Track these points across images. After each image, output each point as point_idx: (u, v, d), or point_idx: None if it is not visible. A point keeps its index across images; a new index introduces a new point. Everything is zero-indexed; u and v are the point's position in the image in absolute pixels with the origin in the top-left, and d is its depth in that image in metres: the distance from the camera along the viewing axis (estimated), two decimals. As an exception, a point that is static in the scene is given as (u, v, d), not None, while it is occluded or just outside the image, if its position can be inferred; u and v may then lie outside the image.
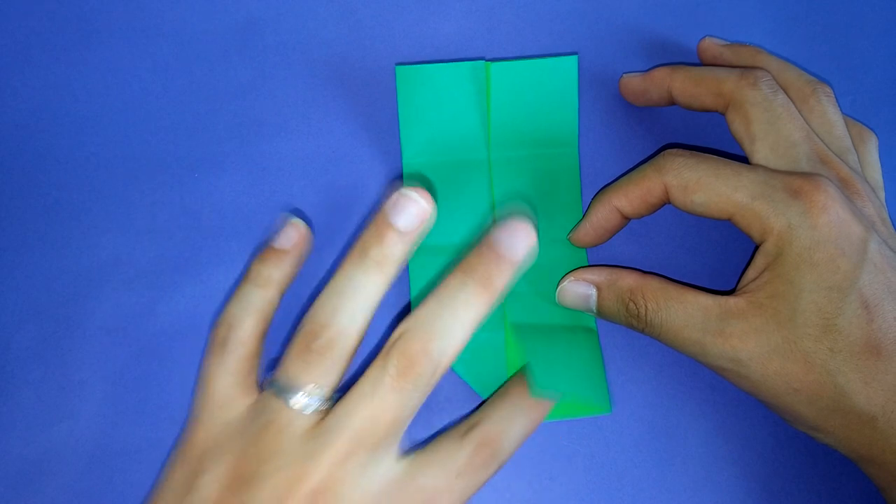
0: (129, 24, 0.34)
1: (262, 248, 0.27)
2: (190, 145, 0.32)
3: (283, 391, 0.23)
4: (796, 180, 0.25)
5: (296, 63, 0.34)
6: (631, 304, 0.27)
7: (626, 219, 0.29)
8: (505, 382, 0.27)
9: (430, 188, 0.31)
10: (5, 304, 0.30)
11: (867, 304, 0.23)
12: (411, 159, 0.31)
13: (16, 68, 0.33)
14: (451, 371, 0.29)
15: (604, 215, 0.29)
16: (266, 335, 0.26)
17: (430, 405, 0.29)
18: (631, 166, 0.32)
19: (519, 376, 0.26)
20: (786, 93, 0.28)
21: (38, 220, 0.31)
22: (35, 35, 0.34)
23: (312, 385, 0.23)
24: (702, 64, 0.33)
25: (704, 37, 0.33)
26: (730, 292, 0.26)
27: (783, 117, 0.27)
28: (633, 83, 0.32)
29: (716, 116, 0.33)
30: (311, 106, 0.33)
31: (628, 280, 0.27)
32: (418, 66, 0.30)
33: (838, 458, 0.29)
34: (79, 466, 0.29)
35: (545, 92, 0.31)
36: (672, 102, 0.31)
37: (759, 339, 0.24)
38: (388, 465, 0.23)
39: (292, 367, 0.23)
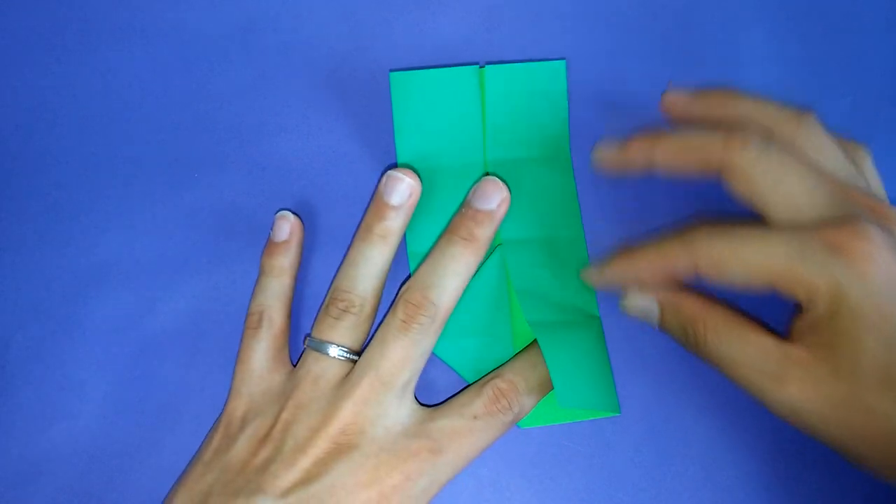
0: (129, 24, 0.34)
1: (266, 244, 0.30)
2: (190, 145, 0.32)
3: (319, 345, 0.27)
4: (832, 233, 0.23)
5: (296, 63, 0.34)
6: (691, 331, 0.26)
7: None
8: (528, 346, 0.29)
9: (415, 171, 0.30)
10: (5, 304, 0.30)
11: None
12: (407, 165, 0.31)
13: (16, 68, 0.33)
14: (460, 377, 0.29)
15: (620, 278, 0.28)
16: (290, 316, 0.30)
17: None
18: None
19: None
20: (771, 132, 0.27)
21: (38, 220, 0.31)
22: (35, 35, 0.34)
23: (341, 340, 0.27)
24: (669, 118, 0.31)
25: (666, 90, 0.30)
26: (787, 336, 0.25)
27: (787, 168, 0.25)
28: (610, 157, 0.29)
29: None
30: (311, 106, 0.33)
31: (692, 306, 0.27)
32: (412, 71, 0.30)
33: (838, 459, 0.29)
34: (79, 466, 0.29)
35: (537, 95, 0.31)
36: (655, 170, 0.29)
37: (819, 391, 0.23)
38: (410, 409, 0.26)
39: (323, 327, 0.28)
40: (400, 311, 0.27)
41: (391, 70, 0.31)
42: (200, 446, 0.28)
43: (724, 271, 0.25)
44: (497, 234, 0.30)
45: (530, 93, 0.31)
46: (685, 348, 0.27)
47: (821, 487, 0.29)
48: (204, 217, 0.32)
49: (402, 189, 0.28)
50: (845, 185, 0.25)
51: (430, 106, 0.31)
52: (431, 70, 0.31)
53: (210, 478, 0.26)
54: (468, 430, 0.26)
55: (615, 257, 0.28)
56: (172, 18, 0.34)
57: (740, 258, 0.25)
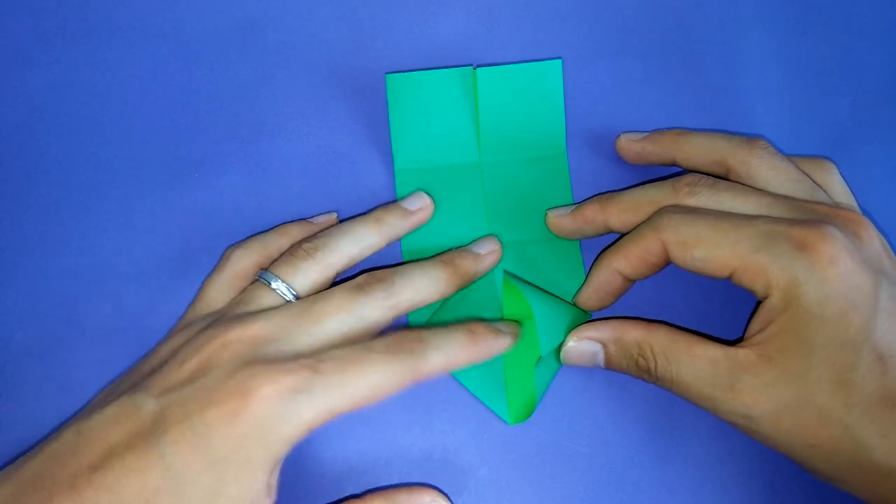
0: (129, 24, 0.34)
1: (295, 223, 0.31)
2: (190, 145, 0.32)
3: (264, 275, 0.27)
4: (800, 231, 0.24)
5: (296, 63, 0.34)
6: (641, 360, 0.26)
7: (630, 281, 0.28)
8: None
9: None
10: (5, 304, 0.30)
11: (881, 357, 0.23)
12: (403, 166, 0.32)
13: (16, 68, 0.33)
14: (451, 377, 0.29)
15: (605, 278, 0.28)
16: (262, 267, 0.29)
17: (430, 407, 0.29)
18: (621, 169, 0.32)
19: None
20: (725, 162, 0.28)
21: (38, 220, 0.31)
22: (35, 35, 0.34)
23: (286, 276, 0.27)
24: (626, 159, 0.32)
25: (620, 135, 0.32)
26: (738, 340, 0.25)
27: (738, 200, 0.26)
28: (564, 223, 0.30)
29: (703, 123, 0.33)
30: (311, 106, 0.33)
31: (633, 333, 0.26)
32: (408, 73, 0.31)
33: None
34: (79, 466, 0.29)
35: (532, 96, 0.31)
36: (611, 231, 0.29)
37: (771, 395, 0.23)
38: (313, 345, 0.25)
39: (278, 262, 0.28)
40: (359, 278, 0.26)
41: (387, 73, 0.31)
42: None
43: (690, 253, 0.25)
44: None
45: (525, 93, 0.31)
46: (640, 378, 0.27)
47: (821, 487, 0.29)
48: (204, 217, 0.32)
49: (418, 201, 0.30)
50: (804, 201, 0.26)
51: (425, 107, 0.31)
52: (426, 72, 0.31)
53: (126, 382, 0.26)
54: (360, 358, 0.24)
55: (595, 261, 0.28)
56: (172, 18, 0.34)
57: (708, 239, 0.25)
